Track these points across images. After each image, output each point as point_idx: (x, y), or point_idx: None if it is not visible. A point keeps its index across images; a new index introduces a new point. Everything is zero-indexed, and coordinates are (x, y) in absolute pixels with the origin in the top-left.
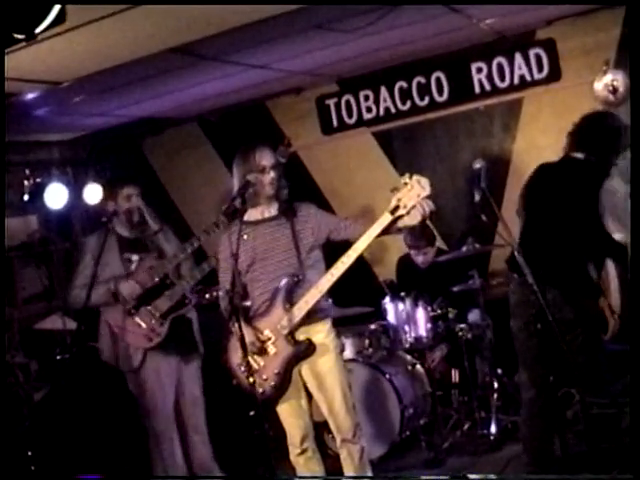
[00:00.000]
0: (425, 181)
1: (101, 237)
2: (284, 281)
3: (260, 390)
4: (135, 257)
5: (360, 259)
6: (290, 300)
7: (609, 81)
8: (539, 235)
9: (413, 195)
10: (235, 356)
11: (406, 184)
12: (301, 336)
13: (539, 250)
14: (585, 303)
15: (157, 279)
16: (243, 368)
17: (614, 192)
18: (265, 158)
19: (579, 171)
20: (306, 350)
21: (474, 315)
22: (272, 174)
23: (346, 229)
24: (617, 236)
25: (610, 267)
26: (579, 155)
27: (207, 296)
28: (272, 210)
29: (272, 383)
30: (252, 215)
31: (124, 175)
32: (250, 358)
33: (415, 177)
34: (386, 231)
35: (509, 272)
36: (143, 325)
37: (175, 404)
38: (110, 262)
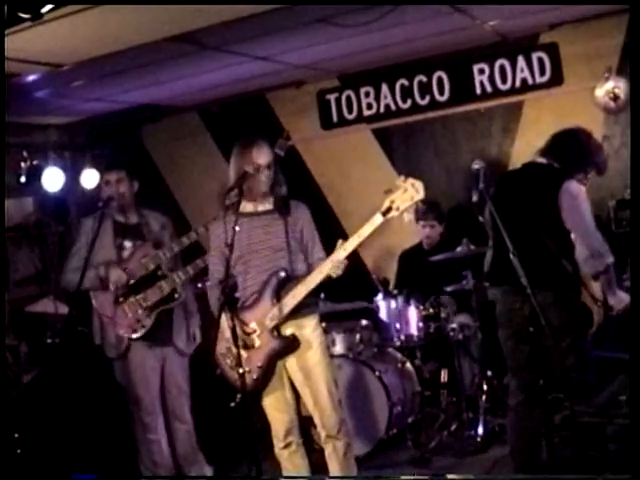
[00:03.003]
0: (419, 185)
1: (96, 220)
2: (273, 275)
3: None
4: (129, 244)
5: (354, 255)
6: (278, 294)
7: (610, 88)
8: (510, 240)
9: (407, 198)
10: (220, 346)
11: (400, 186)
12: (287, 330)
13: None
14: (568, 300)
15: (149, 269)
16: (229, 360)
17: (574, 195)
18: (262, 156)
19: (540, 173)
20: (291, 345)
21: (466, 316)
22: (267, 172)
23: (312, 257)
24: (574, 237)
25: None
26: (542, 160)
27: (199, 285)
28: (267, 204)
29: (254, 376)
30: (246, 207)
31: (111, 160)
32: (235, 349)
33: (410, 180)
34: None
35: (491, 286)
36: (129, 315)
37: (161, 394)
38: (103, 247)
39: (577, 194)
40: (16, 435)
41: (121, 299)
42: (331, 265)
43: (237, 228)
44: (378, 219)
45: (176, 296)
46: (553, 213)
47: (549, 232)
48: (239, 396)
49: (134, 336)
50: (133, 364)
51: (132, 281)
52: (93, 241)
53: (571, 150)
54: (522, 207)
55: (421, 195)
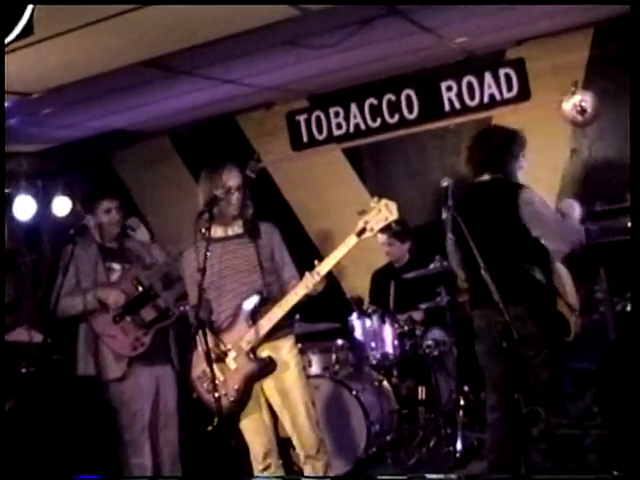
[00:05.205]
0: (393, 205)
1: (80, 246)
2: (248, 298)
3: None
4: (117, 266)
5: (328, 276)
6: (253, 317)
7: (577, 101)
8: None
9: (380, 219)
10: (196, 369)
11: (374, 207)
12: (264, 352)
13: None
14: (542, 312)
15: (141, 290)
16: (205, 384)
17: (530, 202)
18: (232, 179)
19: (492, 191)
20: (267, 367)
21: (441, 332)
22: (237, 195)
23: (284, 276)
24: (545, 242)
25: (560, 268)
26: (485, 177)
27: (181, 309)
28: (236, 228)
29: (231, 398)
30: (217, 232)
31: (103, 188)
32: (210, 373)
33: (383, 201)
34: None
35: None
36: (129, 334)
37: (150, 416)
38: (92, 271)
39: (532, 200)
40: None
41: (118, 318)
42: (306, 287)
43: (209, 253)
44: (352, 240)
45: (170, 314)
46: (517, 225)
47: (516, 245)
48: (216, 419)
49: (134, 353)
50: (130, 384)
51: (127, 301)
52: (67, 266)
53: (498, 151)
54: (486, 224)
55: (395, 216)
